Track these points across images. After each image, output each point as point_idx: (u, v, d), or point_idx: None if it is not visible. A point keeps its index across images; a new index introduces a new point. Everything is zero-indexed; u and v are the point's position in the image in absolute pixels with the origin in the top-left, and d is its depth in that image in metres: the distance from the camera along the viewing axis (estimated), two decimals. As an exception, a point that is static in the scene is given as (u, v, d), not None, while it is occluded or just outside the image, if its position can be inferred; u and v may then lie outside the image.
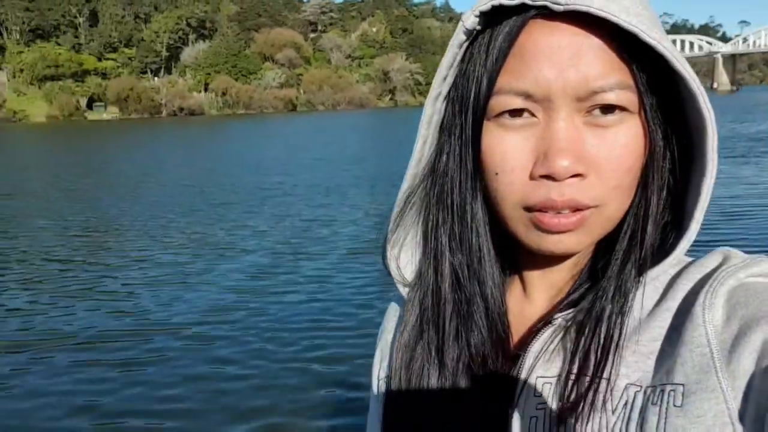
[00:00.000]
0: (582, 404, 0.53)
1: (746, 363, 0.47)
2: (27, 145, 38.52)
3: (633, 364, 0.54)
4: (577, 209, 0.53)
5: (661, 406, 0.50)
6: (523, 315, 0.64)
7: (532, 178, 0.54)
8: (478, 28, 0.56)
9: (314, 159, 20.30)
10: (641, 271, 0.55)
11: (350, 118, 61.79)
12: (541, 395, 0.56)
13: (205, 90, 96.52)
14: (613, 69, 0.52)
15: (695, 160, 0.55)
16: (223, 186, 14.66)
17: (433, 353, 0.62)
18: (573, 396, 0.54)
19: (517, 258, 0.65)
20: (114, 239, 9.33)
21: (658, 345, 0.54)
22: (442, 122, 0.61)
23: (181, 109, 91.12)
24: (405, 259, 0.67)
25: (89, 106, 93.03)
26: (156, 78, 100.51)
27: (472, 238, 0.61)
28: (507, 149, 0.55)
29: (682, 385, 0.50)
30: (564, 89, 0.52)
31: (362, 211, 10.62)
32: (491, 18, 0.55)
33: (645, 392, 0.52)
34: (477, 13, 0.55)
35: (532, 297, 0.64)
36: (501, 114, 0.54)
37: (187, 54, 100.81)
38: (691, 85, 0.51)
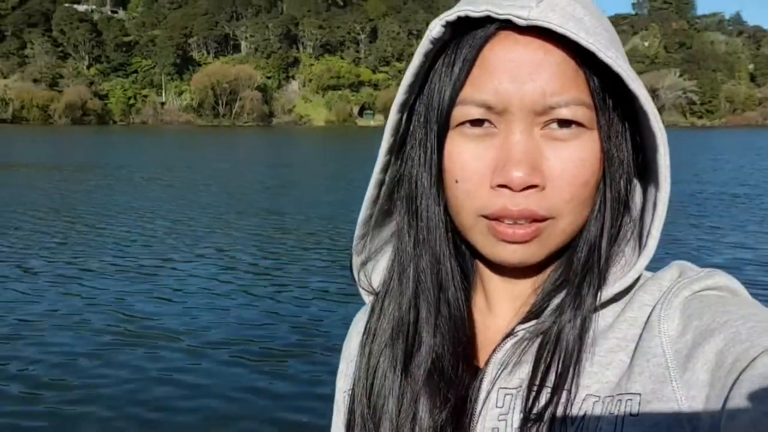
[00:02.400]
0: (543, 415, 0.54)
1: (700, 373, 0.48)
2: (309, 144, 44.27)
3: (592, 375, 0.55)
4: (533, 220, 0.54)
5: (617, 415, 0.52)
6: (486, 326, 0.64)
7: (490, 187, 0.55)
8: (445, 37, 0.56)
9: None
10: (600, 284, 0.56)
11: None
12: (502, 406, 0.57)
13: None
14: (570, 85, 0.53)
15: (651, 178, 0.57)
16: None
17: (396, 363, 0.62)
18: (534, 407, 0.55)
19: (481, 270, 0.65)
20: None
21: (616, 356, 0.55)
22: (408, 129, 0.62)
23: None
24: (380, 268, 0.69)
25: (360, 114, 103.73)
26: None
27: (436, 244, 0.61)
28: (467, 158, 0.56)
29: (639, 394, 0.51)
30: (522, 102, 0.53)
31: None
32: (457, 28, 0.56)
33: (603, 402, 0.53)
34: (443, 22, 0.55)
35: (495, 309, 0.64)
36: (462, 123, 0.56)
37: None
38: (644, 104, 0.53)
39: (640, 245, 0.57)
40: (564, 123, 0.54)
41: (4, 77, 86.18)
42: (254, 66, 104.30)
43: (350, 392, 0.68)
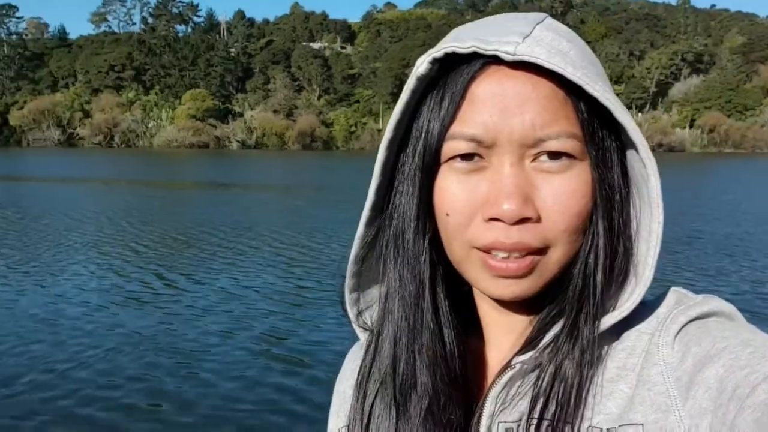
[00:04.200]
0: None
1: (702, 401, 0.48)
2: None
3: (593, 406, 0.54)
4: (526, 253, 0.54)
5: None
6: (483, 359, 0.64)
7: (483, 220, 0.55)
8: (432, 74, 0.56)
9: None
10: (597, 314, 0.56)
11: None
12: None
13: (690, 126, 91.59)
14: (558, 118, 0.53)
15: (644, 207, 0.56)
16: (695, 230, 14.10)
17: (392, 403, 0.61)
18: None
19: (476, 303, 0.65)
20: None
21: (616, 386, 0.54)
22: (396, 166, 0.62)
23: (660, 145, 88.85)
24: (374, 305, 0.68)
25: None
26: (640, 114, 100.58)
27: (420, 280, 0.61)
28: (457, 191, 0.56)
29: (641, 425, 0.51)
30: (511, 136, 0.53)
31: None
32: (444, 65, 0.56)
33: None
34: (431, 59, 0.55)
35: (491, 341, 0.64)
36: (453, 158, 0.56)
37: (677, 89, 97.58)
38: (632, 135, 0.53)
39: (636, 275, 0.56)
40: (554, 155, 0.54)
41: (251, 108, 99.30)
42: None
43: (345, 430, 0.67)
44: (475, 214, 0.55)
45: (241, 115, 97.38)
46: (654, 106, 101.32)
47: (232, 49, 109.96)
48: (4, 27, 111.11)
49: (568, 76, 0.52)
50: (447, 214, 0.57)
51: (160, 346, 6.14)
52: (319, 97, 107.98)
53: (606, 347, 0.57)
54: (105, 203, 19.52)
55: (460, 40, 0.55)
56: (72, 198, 20.99)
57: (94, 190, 24.69)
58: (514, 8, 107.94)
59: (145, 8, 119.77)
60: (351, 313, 0.68)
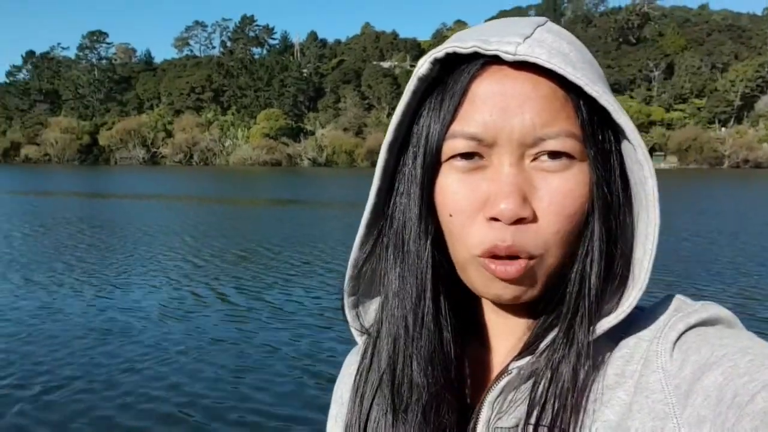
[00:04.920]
0: None
1: (701, 409, 0.47)
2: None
3: (591, 413, 0.54)
4: (523, 256, 0.54)
5: None
6: (481, 364, 0.63)
7: (485, 219, 0.55)
8: (433, 75, 0.57)
9: None
10: (592, 319, 0.55)
11: None
12: None
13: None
14: (558, 117, 0.53)
15: (641, 210, 0.56)
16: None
17: (389, 406, 0.61)
18: None
19: (477, 306, 0.64)
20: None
21: (614, 393, 0.54)
22: (397, 168, 0.62)
23: (746, 161, 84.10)
24: (372, 308, 0.68)
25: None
26: (723, 128, 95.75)
27: (422, 279, 0.60)
28: (458, 191, 0.56)
29: None
30: (510, 135, 0.53)
31: None
32: (445, 65, 0.56)
33: None
34: (432, 59, 0.56)
35: (489, 345, 0.64)
36: (453, 157, 0.56)
37: (764, 103, 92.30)
38: (631, 137, 0.53)
39: (633, 278, 0.56)
40: (554, 155, 0.54)
41: (322, 127, 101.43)
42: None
43: None
44: (477, 214, 0.55)
45: (313, 133, 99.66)
46: (739, 120, 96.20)
47: (305, 70, 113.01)
48: (96, 52, 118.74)
49: (568, 77, 0.52)
50: (450, 215, 0.57)
51: (206, 358, 6.27)
52: (389, 115, 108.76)
53: (604, 354, 0.56)
54: (176, 218, 20.28)
55: (462, 40, 0.55)
56: (148, 213, 21.97)
57: (169, 205, 25.73)
58: (588, 22, 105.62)
59: (224, 32, 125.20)
60: (349, 316, 0.68)
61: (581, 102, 0.54)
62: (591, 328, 0.55)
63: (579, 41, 0.58)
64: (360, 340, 0.68)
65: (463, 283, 0.60)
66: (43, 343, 6.74)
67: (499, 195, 0.53)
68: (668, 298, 0.59)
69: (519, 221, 0.53)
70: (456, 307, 0.63)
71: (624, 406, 0.53)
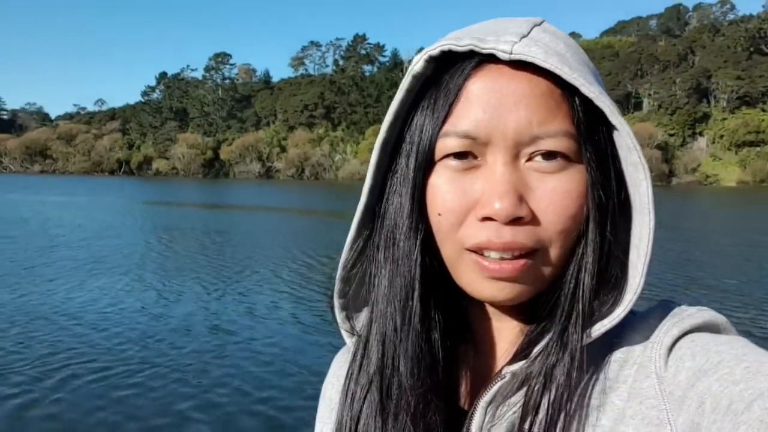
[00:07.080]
0: None
1: (695, 416, 0.47)
2: (716, 208, 39.99)
3: (584, 418, 0.53)
4: (520, 254, 0.53)
5: None
6: (474, 367, 0.62)
7: (476, 220, 0.54)
8: (428, 73, 0.56)
9: None
10: (586, 323, 0.54)
11: None
12: None
13: None
14: (554, 117, 0.52)
15: (636, 213, 0.55)
16: None
17: (379, 409, 0.60)
18: None
19: (470, 310, 0.63)
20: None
21: (607, 398, 0.53)
22: (390, 167, 0.61)
23: None
24: (363, 310, 0.67)
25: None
26: None
27: (410, 280, 0.59)
28: (450, 190, 0.55)
29: None
30: (505, 133, 0.52)
31: None
32: (440, 63, 0.55)
33: None
34: (426, 57, 0.55)
35: (482, 349, 0.62)
36: (446, 156, 0.55)
37: None
38: (626, 138, 0.53)
39: (627, 282, 0.55)
40: (549, 155, 0.53)
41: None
42: (656, 123, 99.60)
43: None
44: (468, 214, 0.54)
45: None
46: None
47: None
48: (220, 73, 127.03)
49: (564, 77, 0.51)
50: (439, 214, 0.56)
51: (290, 367, 6.52)
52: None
53: (598, 358, 0.55)
54: (284, 230, 21.29)
55: (457, 39, 0.54)
56: (260, 224, 23.27)
57: (280, 218, 27.11)
58: (716, 31, 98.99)
59: (337, 51, 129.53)
60: (339, 317, 0.67)
61: (577, 102, 0.53)
62: (585, 332, 0.54)
63: (575, 43, 0.57)
64: (350, 341, 0.67)
65: (456, 287, 0.59)
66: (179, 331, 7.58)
67: (493, 194, 0.52)
68: (663, 303, 0.58)
69: (515, 221, 0.52)
70: (449, 311, 0.62)
71: (618, 411, 0.52)
